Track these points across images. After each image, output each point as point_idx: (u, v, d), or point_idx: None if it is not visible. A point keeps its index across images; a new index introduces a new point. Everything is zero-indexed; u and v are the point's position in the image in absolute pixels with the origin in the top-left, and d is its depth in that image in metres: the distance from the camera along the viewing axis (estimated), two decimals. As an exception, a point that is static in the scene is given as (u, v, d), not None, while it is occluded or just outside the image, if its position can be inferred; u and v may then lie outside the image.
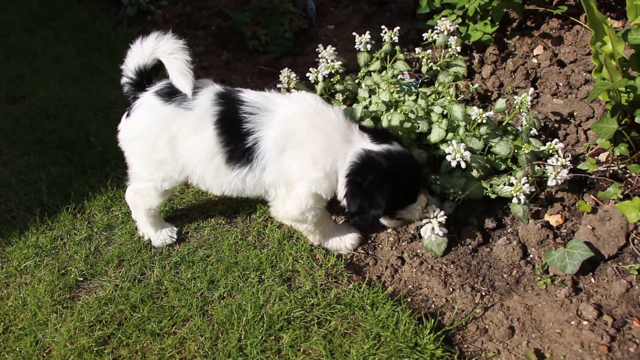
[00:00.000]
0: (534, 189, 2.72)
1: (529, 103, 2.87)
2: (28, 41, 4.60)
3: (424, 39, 3.43)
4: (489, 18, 3.79)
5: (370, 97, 3.19)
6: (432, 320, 2.37)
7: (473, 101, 3.57)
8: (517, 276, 2.61)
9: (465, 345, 2.36)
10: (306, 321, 2.42)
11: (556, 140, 2.86)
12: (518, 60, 3.75)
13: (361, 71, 3.44)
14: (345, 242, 2.76)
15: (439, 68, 3.35)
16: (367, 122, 2.97)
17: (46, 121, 3.67)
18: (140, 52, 2.53)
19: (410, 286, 2.61)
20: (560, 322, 2.38)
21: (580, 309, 2.41)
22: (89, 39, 4.54)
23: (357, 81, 3.40)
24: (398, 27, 3.37)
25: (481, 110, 2.79)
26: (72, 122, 3.65)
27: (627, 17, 2.65)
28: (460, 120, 2.86)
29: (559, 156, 2.76)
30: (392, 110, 2.97)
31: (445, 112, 2.98)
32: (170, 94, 2.49)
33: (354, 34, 3.40)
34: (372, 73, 3.37)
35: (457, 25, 3.46)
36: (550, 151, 2.84)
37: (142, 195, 2.70)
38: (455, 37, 3.31)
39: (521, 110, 2.89)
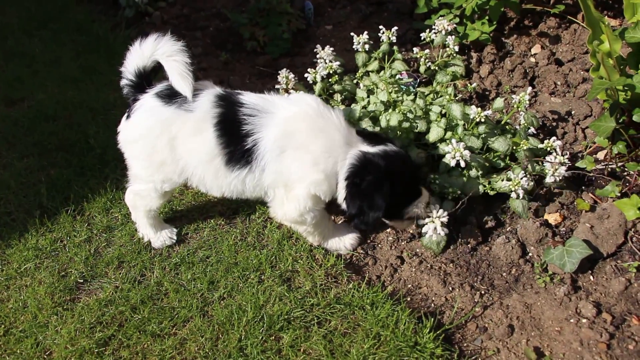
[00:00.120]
0: (532, 183, 2.72)
1: (527, 102, 2.88)
2: (26, 43, 4.60)
3: (422, 38, 3.44)
4: (487, 17, 3.79)
5: (368, 97, 3.20)
6: (432, 319, 2.38)
7: (471, 100, 3.58)
8: (516, 275, 2.62)
9: (465, 344, 2.37)
10: (306, 321, 2.42)
11: (554, 138, 2.87)
12: (516, 60, 3.76)
13: (359, 71, 3.45)
14: (344, 242, 2.76)
15: (437, 68, 3.36)
16: (366, 122, 2.97)
17: (45, 123, 3.68)
18: (140, 54, 2.53)
19: (409, 285, 2.62)
20: (560, 320, 2.39)
21: (580, 307, 2.41)
22: (87, 41, 4.54)
23: (355, 81, 3.41)
24: (396, 27, 3.38)
25: (479, 109, 2.79)
26: (71, 124, 3.65)
27: (624, 16, 2.66)
28: (459, 120, 2.87)
29: (557, 154, 2.77)
30: (390, 110, 2.97)
31: (443, 112, 2.99)
32: (170, 96, 2.49)
33: (352, 34, 3.40)
34: (370, 73, 3.37)
35: (454, 25, 3.47)
36: (548, 149, 2.85)
37: (142, 197, 2.71)
38: (453, 36, 3.32)
39: (519, 109, 2.90)
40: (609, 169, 2.89)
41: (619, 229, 2.61)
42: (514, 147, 2.83)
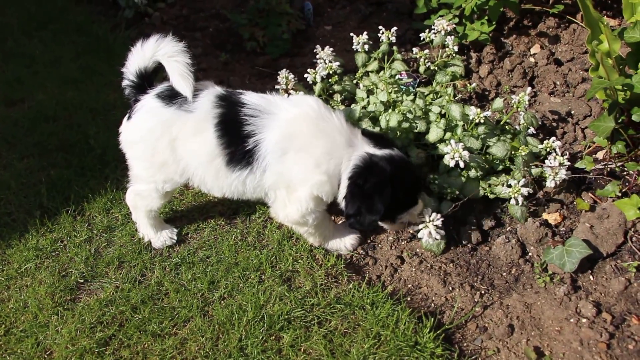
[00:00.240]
0: (532, 191, 2.72)
1: (527, 102, 2.88)
2: (26, 44, 4.60)
3: (422, 39, 3.44)
4: (486, 17, 3.80)
5: (368, 97, 3.20)
6: (432, 319, 2.38)
7: (471, 100, 3.58)
8: (516, 274, 2.62)
9: (465, 344, 2.37)
10: (306, 321, 2.43)
11: (553, 138, 2.88)
12: (515, 60, 3.76)
13: (359, 71, 3.45)
14: (345, 242, 2.76)
15: (436, 68, 3.36)
16: (366, 122, 2.98)
17: (45, 124, 3.68)
18: (141, 55, 2.53)
19: (409, 285, 2.62)
20: (560, 319, 2.39)
21: (579, 306, 2.42)
22: (87, 41, 4.54)
23: (355, 81, 3.41)
24: (395, 28, 3.38)
25: (479, 109, 2.80)
26: (71, 124, 3.66)
27: (623, 16, 2.66)
28: (458, 120, 2.87)
29: (557, 154, 2.78)
30: (390, 110, 2.97)
31: (443, 112, 2.99)
32: (171, 97, 2.49)
33: (351, 34, 3.41)
34: (370, 73, 3.38)
35: (454, 25, 3.47)
36: (548, 149, 2.85)
37: (143, 197, 2.71)
38: (453, 36, 3.32)
39: (519, 109, 2.90)
40: (608, 169, 2.90)
41: (618, 229, 2.61)
42: (513, 152, 2.83)
